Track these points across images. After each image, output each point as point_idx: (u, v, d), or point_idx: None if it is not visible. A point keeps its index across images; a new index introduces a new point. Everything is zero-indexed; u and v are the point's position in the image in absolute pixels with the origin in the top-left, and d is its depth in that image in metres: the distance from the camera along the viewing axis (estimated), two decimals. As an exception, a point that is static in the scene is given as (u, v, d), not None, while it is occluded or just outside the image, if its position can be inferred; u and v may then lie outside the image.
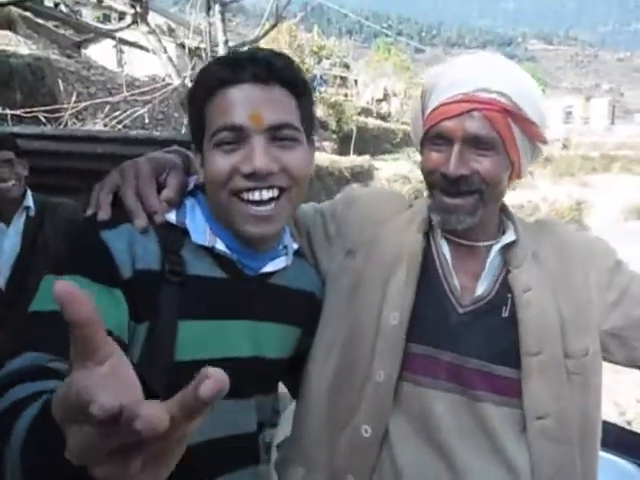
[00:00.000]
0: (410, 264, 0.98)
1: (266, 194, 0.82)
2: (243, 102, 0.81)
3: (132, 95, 6.58)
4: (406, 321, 0.94)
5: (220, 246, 0.86)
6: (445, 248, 0.99)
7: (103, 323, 0.39)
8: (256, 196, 0.82)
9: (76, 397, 0.37)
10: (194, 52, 7.58)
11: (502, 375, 0.91)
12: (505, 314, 0.94)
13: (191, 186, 0.91)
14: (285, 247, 0.95)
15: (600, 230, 12.47)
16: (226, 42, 5.13)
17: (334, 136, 16.47)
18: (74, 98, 6.96)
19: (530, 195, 13.47)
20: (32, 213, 2.32)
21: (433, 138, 0.95)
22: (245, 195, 0.82)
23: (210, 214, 0.88)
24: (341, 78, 24.04)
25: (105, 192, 0.86)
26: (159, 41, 5.10)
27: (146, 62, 9.60)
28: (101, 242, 0.79)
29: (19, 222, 2.31)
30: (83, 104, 5.80)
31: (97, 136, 3.34)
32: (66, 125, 6.17)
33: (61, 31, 11.80)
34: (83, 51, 12.41)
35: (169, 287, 0.82)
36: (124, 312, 0.78)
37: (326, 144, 15.54)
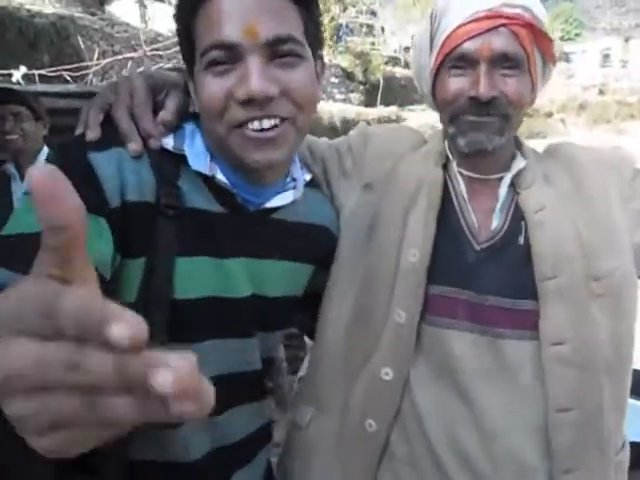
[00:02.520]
0: (430, 199, 0.94)
1: (267, 122, 0.73)
2: (234, 13, 0.70)
3: (153, 50, 6.53)
4: (427, 259, 0.91)
5: (221, 177, 0.79)
6: (461, 183, 0.95)
7: (85, 231, 0.30)
8: (255, 125, 0.73)
9: (75, 312, 0.27)
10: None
11: (523, 308, 0.88)
12: (521, 242, 0.90)
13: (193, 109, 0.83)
14: (294, 180, 0.88)
15: (636, 178, 12.06)
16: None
17: (361, 87, 16.11)
18: (96, 56, 6.96)
19: (563, 144, 13.08)
20: None
21: (454, 62, 0.89)
22: (244, 128, 0.73)
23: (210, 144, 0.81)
24: (367, 26, 23.31)
25: (95, 110, 0.77)
26: None
27: (170, 16, 9.50)
28: (88, 164, 0.71)
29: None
30: (105, 61, 5.80)
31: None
32: (91, 84, 6.21)
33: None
34: (106, 7, 12.31)
35: (165, 221, 0.75)
36: (108, 244, 0.70)
37: (353, 95, 15.24)
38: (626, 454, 0.97)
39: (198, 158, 0.78)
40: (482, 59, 0.86)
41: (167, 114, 0.78)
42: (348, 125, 11.26)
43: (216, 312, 0.82)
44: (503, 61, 0.87)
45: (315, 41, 0.79)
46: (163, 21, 11.05)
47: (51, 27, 8.18)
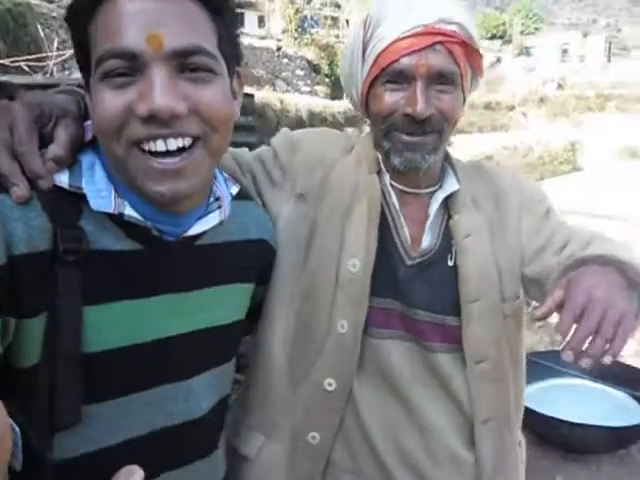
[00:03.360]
0: (371, 207, 0.93)
1: (173, 143, 0.64)
2: (137, 17, 0.62)
3: None
4: (370, 270, 0.91)
5: (130, 212, 0.69)
6: (393, 195, 0.95)
7: None
8: (159, 146, 0.64)
9: None
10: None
11: (451, 324, 0.93)
12: (450, 263, 0.94)
13: (89, 136, 0.71)
14: (217, 199, 0.79)
15: (593, 170, 12.47)
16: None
17: (326, 80, 16.11)
18: (56, 45, 6.75)
19: (523, 136, 13.39)
20: None
21: (389, 77, 0.88)
22: (145, 145, 0.64)
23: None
24: (332, 18, 23.27)
25: None
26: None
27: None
28: None
29: None
30: (69, 52, 5.60)
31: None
32: (52, 74, 6.02)
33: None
34: (64, -5, 11.95)
35: (66, 269, 0.66)
36: None
37: (318, 88, 15.24)
38: (524, 451, 1.08)
39: (100, 195, 0.68)
40: (419, 76, 0.86)
41: (57, 147, 0.67)
42: (314, 118, 11.26)
43: (141, 360, 0.73)
44: (438, 78, 0.87)
45: (231, 56, 0.71)
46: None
47: (7, 14, 7.91)
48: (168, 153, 0.65)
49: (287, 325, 0.94)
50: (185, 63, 0.64)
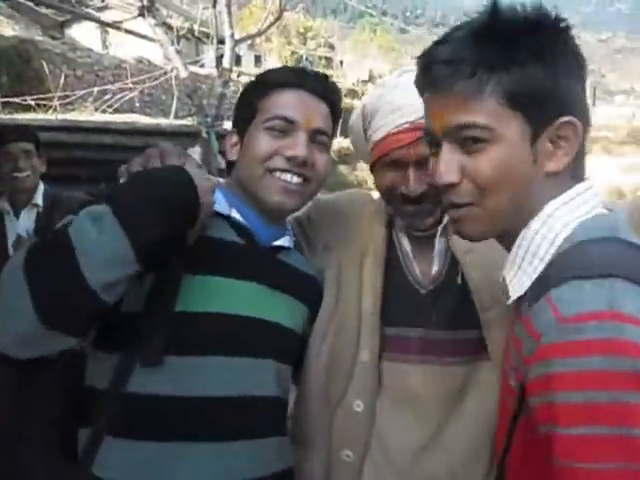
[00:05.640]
0: (376, 254, 1.10)
1: (295, 179, 0.99)
2: (301, 103, 1.01)
3: (136, 83, 6.51)
4: (378, 306, 1.06)
5: (235, 214, 1.00)
6: (405, 240, 1.11)
7: None
8: (287, 177, 0.98)
9: None
10: (182, 35, 7.51)
11: (467, 337, 1.03)
12: (459, 281, 1.05)
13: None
14: (289, 230, 1.09)
15: (582, 211, 12.63)
16: (232, 35, 5.13)
17: (320, 118, 16.40)
18: (62, 81, 6.88)
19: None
20: (41, 210, 2.37)
21: (386, 163, 1.04)
22: (278, 174, 0.98)
23: (229, 190, 1.03)
24: (326, 59, 23.86)
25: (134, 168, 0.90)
26: (166, 33, 5.07)
27: (131, 42, 9.46)
28: None
29: (28, 217, 2.37)
30: (81, 92, 5.70)
31: (106, 127, 3.43)
32: (55, 110, 6.12)
33: (42, 10, 11.56)
34: (66, 31, 12.17)
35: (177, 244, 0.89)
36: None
37: (313, 126, 15.47)
38: None
39: (218, 203, 0.97)
40: (410, 163, 1.02)
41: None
42: (309, 155, 11.37)
43: (221, 327, 0.91)
44: (426, 163, 0.96)
45: (333, 135, 1.09)
46: (125, 47, 11.01)
47: (12, 50, 8.05)
48: (290, 183, 0.99)
49: (320, 355, 1.07)
50: (315, 137, 1.01)
